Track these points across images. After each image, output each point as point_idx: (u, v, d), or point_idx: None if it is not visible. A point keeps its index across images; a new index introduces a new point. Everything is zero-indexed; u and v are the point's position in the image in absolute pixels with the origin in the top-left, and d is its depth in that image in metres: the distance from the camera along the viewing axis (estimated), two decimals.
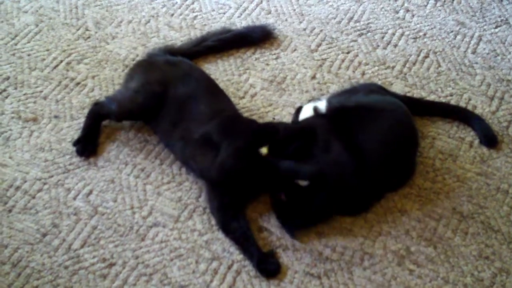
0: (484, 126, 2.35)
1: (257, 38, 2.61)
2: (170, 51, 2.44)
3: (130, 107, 2.23)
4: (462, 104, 2.44)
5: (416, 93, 2.47)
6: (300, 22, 2.74)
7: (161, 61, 2.34)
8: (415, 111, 2.32)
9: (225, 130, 2.08)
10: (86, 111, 2.35)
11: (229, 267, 1.98)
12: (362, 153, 2.06)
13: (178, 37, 2.64)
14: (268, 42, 2.64)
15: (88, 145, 2.24)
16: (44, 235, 2.02)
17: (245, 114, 2.35)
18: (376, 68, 2.56)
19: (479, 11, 2.81)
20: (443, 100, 2.45)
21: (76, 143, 2.23)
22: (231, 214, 2.05)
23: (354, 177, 2.04)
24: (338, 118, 2.16)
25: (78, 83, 2.46)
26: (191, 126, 2.13)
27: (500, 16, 2.79)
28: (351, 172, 2.04)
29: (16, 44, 2.59)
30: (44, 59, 2.54)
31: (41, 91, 2.43)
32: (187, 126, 2.14)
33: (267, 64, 2.54)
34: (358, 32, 2.71)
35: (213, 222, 2.07)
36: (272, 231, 2.07)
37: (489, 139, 2.33)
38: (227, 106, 2.25)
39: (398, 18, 2.77)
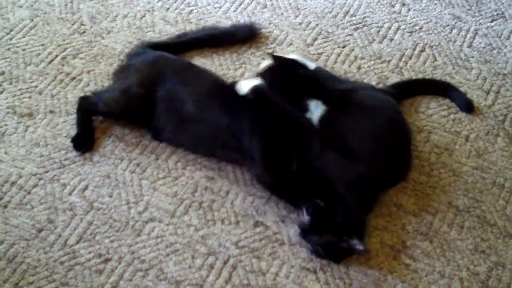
0: (460, 95, 2.42)
1: (242, 36, 2.60)
2: (152, 46, 2.43)
3: (115, 109, 2.24)
4: None
5: None
6: (296, 16, 2.74)
7: (137, 64, 2.32)
8: (401, 96, 2.37)
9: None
10: None
11: (225, 262, 1.98)
12: (355, 154, 2.06)
13: (174, 32, 2.63)
14: (264, 36, 2.64)
15: (85, 140, 2.23)
16: (40, 230, 2.02)
17: None
18: (372, 62, 2.56)
19: (475, 5, 2.81)
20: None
21: (74, 139, 2.22)
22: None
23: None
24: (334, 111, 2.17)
25: (73, 78, 2.45)
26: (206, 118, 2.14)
27: (496, 10, 2.79)
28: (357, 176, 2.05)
29: (11, 39, 2.58)
30: (39, 54, 2.53)
31: (36, 86, 2.42)
32: (201, 119, 2.14)
33: (263, 59, 2.53)
34: (354, 26, 2.70)
35: (209, 217, 2.07)
36: (268, 225, 2.07)
37: (466, 105, 2.40)
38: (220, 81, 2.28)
39: (394, 12, 2.77)
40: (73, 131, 2.27)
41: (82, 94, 2.37)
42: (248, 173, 2.17)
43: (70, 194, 2.11)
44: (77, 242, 2.00)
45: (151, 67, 2.27)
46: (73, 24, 2.65)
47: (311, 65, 2.27)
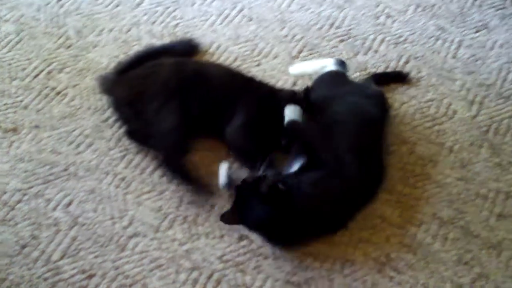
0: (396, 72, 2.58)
1: (182, 51, 2.59)
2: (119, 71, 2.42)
3: None
4: (442, 109, 2.45)
5: (398, 99, 2.48)
6: (282, 29, 2.75)
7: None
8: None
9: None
10: (67, 120, 2.35)
11: (209, 277, 1.98)
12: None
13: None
14: (250, 49, 2.64)
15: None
16: (23, 247, 2.02)
17: None
18: (358, 74, 2.57)
19: (459, 16, 2.82)
20: (423, 105, 2.46)
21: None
22: None
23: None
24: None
25: (58, 93, 2.46)
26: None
27: (480, 21, 2.80)
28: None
29: None
30: (24, 69, 2.53)
31: (21, 101, 2.42)
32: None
33: (249, 72, 2.54)
34: (339, 38, 2.71)
35: (194, 231, 2.08)
36: (252, 239, 2.07)
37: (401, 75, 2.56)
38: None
39: (379, 24, 2.78)
40: (58, 146, 2.27)
41: (67, 109, 2.38)
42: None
43: (54, 209, 2.11)
44: (61, 258, 2.00)
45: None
46: (59, 38, 2.66)
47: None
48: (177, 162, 2.18)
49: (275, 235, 2.01)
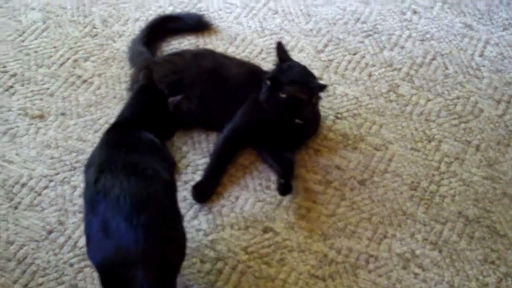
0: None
1: (191, 25, 2.67)
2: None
3: None
4: (469, 107, 2.44)
5: (423, 96, 2.47)
6: (307, 23, 2.74)
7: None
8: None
9: None
10: (92, 108, 2.36)
11: (234, 268, 1.98)
12: None
13: (185, 36, 2.64)
14: (275, 42, 2.63)
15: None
16: (50, 232, 2.02)
17: None
18: (383, 69, 2.56)
19: (486, 13, 2.81)
20: (450, 103, 2.45)
21: None
22: None
23: None
24: None
25: (84, 81, 2.46)
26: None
27: (507, 19, 2.79)
28: None
29: (23, 41, 2.59)
30: (51, 56, 2.54)
31: (47, 88, 2.43)
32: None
33: (274, 65, 2.53)
34: (365, 34, 2.70)
35: (218, 222, 2.08)
36: (277, 231, 2.07)
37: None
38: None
39: (405, 19, 2.77)
40: (84, 134, 2.28)
41: (93, 97, 2.39)
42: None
43: (80, 196, 2.11)
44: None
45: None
46: (85, 27, 2.66)
47: None
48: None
49: None
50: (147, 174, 1.70)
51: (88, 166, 1.81)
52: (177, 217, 1.77)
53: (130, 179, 1.67)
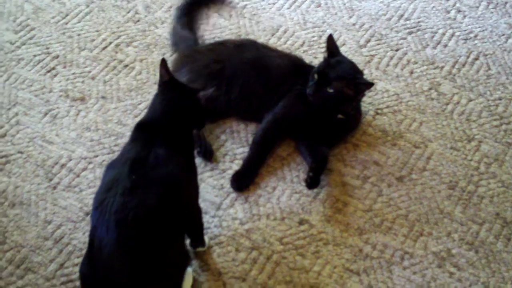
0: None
1: None
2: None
3: None
4: (510, 108, 2.41)
5: (465, 95, 2.44)
6: (350, 17, 2.72)
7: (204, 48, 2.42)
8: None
9: None
10: (133, 93, 2.37)
11: (269, 258, 1.98)
12: None
13: (227, 25, 2.64)
14: (317, 35, 2.63)
15: None
16: (87, 213, 2.04)
17: None
18: (425, 67, 2.54)
19: None
20: (491, 104, 2.42)
21: None
22: None
23: None
24: None
25: (126, 66, 2.48)
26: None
27: None
28: None
29: (66, 24, 2.62)
30: (93, 40, 2.56)
31: (89, 71, 2.45)
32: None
33: (315, 57, 2.53)
34: (408, 30, 2.68)
35: (255, 211, 2.07)
36: (313, 224, 2.06)
37: None
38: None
39: (449, 18, 2.74)
40: (124, 118, 2.29)
41: (134, 82, 2.40)
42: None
43: None
44: None
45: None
46: (128, 12, 2.68)
47: None
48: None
49: None
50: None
51: (108, 167, 1.81)
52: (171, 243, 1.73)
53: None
